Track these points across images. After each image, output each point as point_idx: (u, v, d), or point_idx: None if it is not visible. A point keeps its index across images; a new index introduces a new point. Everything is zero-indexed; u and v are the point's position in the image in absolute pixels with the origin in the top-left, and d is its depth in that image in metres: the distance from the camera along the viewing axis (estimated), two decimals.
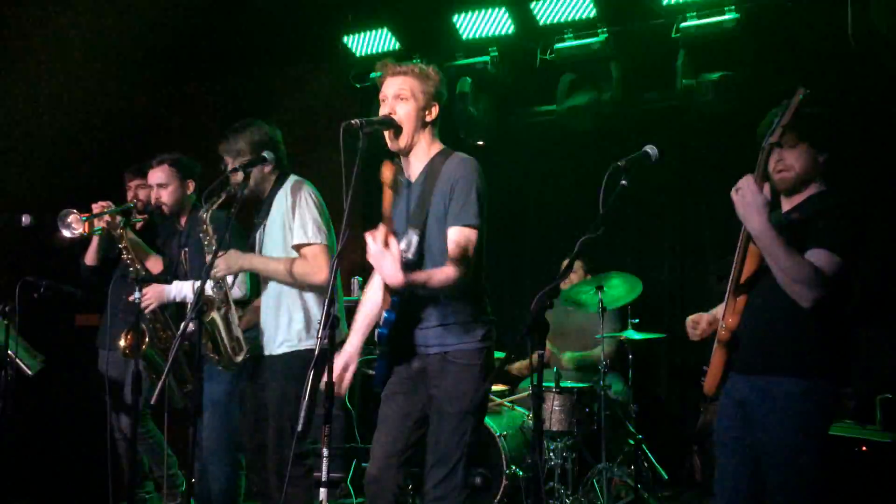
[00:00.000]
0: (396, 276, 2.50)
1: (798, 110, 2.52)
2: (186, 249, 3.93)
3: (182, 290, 3.80)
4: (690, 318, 2.90)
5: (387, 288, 2.65)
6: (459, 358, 2.71)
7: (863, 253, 2.55)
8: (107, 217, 3.98)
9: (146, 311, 3.81)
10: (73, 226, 3.97)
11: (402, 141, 2.77)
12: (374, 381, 2.84)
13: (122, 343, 3.81)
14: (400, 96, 2.77)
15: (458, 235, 2.67)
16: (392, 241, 2.52)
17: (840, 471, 3.64)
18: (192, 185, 4.04)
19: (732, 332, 2.63)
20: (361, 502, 4.68)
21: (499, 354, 4.73)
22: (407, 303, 2.68)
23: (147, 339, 3.82)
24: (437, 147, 2.85)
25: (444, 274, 2.62)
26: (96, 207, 4.00)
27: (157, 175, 3.99)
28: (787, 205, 2.73)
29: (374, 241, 2.51)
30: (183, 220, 4.03)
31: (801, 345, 2.56)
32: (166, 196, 3.97)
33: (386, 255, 2.49)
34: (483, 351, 2.74)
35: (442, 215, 2.72)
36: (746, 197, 2.52)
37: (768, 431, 2.56)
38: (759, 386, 2.61)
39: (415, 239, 2.71)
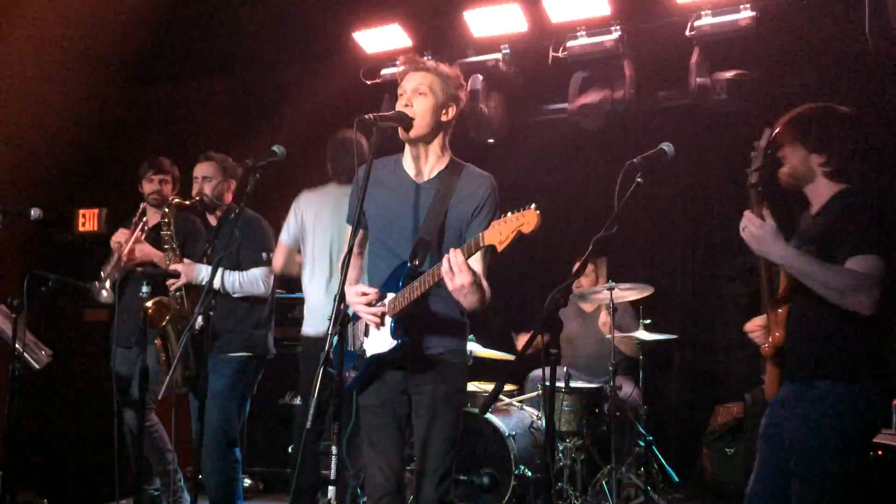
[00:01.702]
0: (483, 301, 2.53)
1: (769, 151, 2.63)
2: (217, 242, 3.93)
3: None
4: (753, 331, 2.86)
5: (415, 298, 2.60)
6: (452, 359, 2.74)
7: None
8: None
9: (173, 288, 3.84)
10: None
11: (414, 132, 2.73)
12: (351, 382, 2.76)
13: (148, 306, 3.76)
14: (419, 91, 2.73)
15: (485, 255, 2.67)
16: (473, 269, 2.46)
17: (880, 480, 3.57)
18: (232, 185, 4.11)
19: (777, 346, 2.67)
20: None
21: (509, 356, 4.75)
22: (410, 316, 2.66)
23: (170, 315, 3.82)
24: (448, 156, 2.82)
25: (489, 294, 2.62)
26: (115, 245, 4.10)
27: (205, 168, 4.05)
28: (814, 208, 2.71)
29: (464, 270, 2.40)
30: (215, 217, 4.07)
31: (839, 350, 2.54)
32: (209, 189, 4.00)
33: (477, 283, 2.45)
34: (466, 352, 2.84)
35: (459, 230, 2.69)
36: (754, 231, 2.53)
37: (795, 431, 2.56)
38: (799, 390, 2.61)
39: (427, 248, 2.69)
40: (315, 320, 4.15)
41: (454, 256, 2.40)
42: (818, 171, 2.64)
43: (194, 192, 4.03)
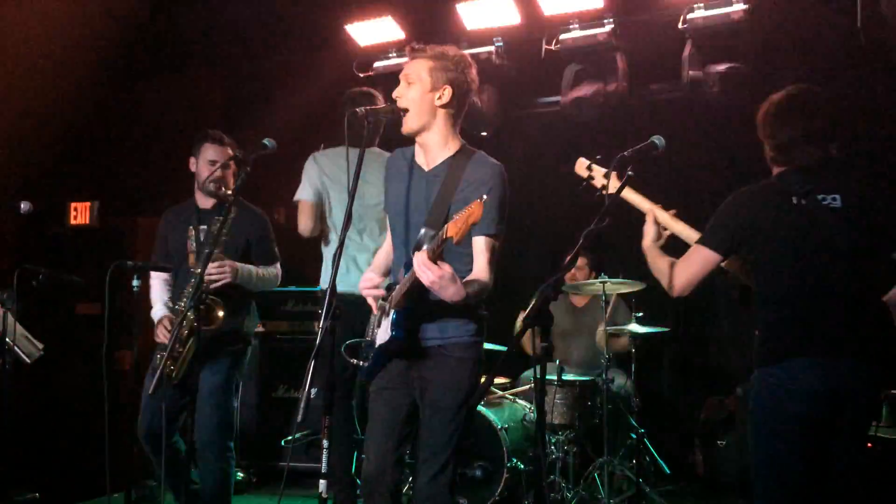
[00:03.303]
0: (461, 294, 2.43)
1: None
2: (203, 227, 3.87)
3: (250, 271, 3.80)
4: None
5: (405, 293, 2.57)
6: (455, 351, 2.68)
7: (741, 239, 2.65)
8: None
9: (215, 286, 3.60)
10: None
11: (407, 125, 2.73)
12: (363, 372, 2.78)
13: (221, 314, 3.62)
14: (408, 80, 2.73)
15: (488, 245, 2.66)
16: (442, 262, 2.39)
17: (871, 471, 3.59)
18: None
19: None
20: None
21: (501, 348, 4.75)
22: (417, 303, 2.63)
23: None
24: (457, 142, 2.78)
25: (484, 283, 2.61)
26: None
27: (222, 153, 3.88)
28: None
29: (430, 269, 2.34)
30: (212, 203, 3.92)
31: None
32: (229, 177, 3.88)
33: (447, 278, 2.37)
34: (477, 345, 2.73)
35: None
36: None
37: None
38: None
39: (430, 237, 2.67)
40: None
41: (417, 258, 2.37)
42: (769, 156, 2.76)
43: (205, 176, 3.82)
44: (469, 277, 2.61)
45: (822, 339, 2.51)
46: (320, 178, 4.04)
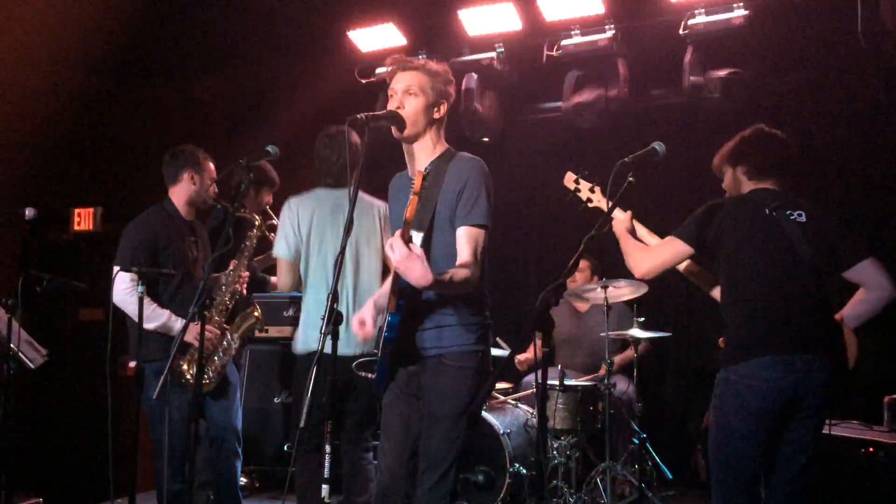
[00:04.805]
0: (427, 278, 2.41)
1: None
2: (194, 238, 3.98)
3: None
4: None
5: (393, 291, 2.59)
6: (454, 360, 2.68)
7: (715, 238, 2.87)
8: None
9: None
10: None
11: (407, 132, 2.74)
12: (376, 383, 2.79)
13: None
14: (409, 91, 2.74)
15: (469, 235, 2.66)
16: (414, 245, 2.43)
17: (846, 472, 3.62)
18: None
19: None
20: None
21: (503, 353, 4.75)
22: (410, 305, 2.64)
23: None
24: (443, 147, 2.83)
25: (463, 273, 2.58)
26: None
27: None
28: None
29: (398, 247, 2.39)
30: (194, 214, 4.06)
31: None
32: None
33: (414, 259, 2.39)
34: (478, 354, 2.72)
35: (448, 217, 2.69)
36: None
37: None
38: None
39: (418, 240, 2.68)
40: (310, 336, 3.78)
41: (394, 237, 2.44)
42: (743, 178, 3.02)
43: (214, 191, 3.99)
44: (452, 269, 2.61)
45: (785, 336, 2.71)
46: (294, 229, 3.78)
